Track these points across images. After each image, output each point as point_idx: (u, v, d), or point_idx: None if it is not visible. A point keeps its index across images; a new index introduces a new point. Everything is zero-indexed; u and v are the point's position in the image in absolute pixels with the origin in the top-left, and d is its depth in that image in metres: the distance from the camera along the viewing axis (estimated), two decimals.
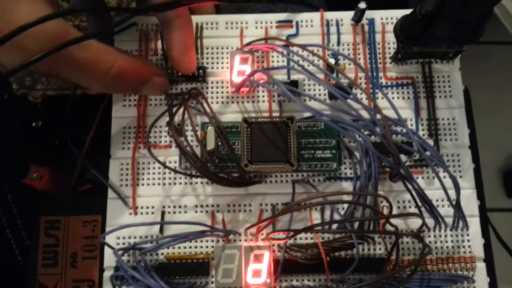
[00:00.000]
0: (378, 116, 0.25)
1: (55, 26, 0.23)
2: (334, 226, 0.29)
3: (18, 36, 0.21)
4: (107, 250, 0.29)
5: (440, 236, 0.30)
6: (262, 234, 0.29)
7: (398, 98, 0.31)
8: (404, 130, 0.27)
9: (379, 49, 0.32)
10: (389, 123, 0.29)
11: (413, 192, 0.26)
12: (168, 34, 0.29)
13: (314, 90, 0.31)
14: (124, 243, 0.29)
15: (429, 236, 0.30)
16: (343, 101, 0.24)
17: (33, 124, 0.28)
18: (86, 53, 0.25)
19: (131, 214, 0.30)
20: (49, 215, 0.31)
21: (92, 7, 0.33)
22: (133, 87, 0.29)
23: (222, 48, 0.32)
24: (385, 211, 0.29)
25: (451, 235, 0.30)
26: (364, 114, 0.26)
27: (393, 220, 0.28)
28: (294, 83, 0.30)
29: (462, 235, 0.30)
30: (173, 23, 0.28)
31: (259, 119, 0.28)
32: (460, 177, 0.30)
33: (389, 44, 0.32)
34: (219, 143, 0.28)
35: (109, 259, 0.29)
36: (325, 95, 0.31)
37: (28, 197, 0.31)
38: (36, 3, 0.23)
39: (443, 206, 0.30)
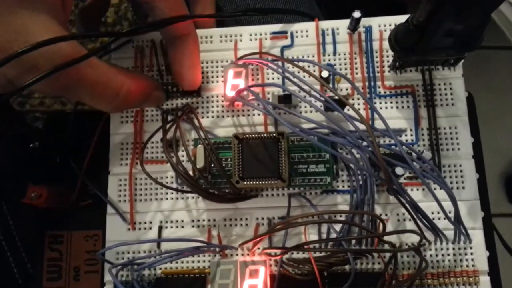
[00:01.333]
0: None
1: (68, 47, 0.23)
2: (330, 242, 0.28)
3: (32, 54, 0.22)
4: (106, 265, 0.30)
5: (442, 249, 0.29)
6: (258, 248, 0.29)
7: (397, 107, 0.31)
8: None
9: (376, 57, 0.31)
10: (381, 135, 0.29)
11: (407, 206, 0.25)
12: (176, 51, 0.29)
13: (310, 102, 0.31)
14: (123, 258, 0.30)
15: (430, 250, 0.29)
16: (328, 119, 0.24)
17: (31, 145, 0.29)
18: (96, 75, 0.25)
19: (129, 229, 0.30)
20: (53, 229, 0.32)
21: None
22: (137, 104, 0.30)
23: (217, 62, 0.32)
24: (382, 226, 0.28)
25: (453, 248, 0.29)
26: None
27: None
28: (287, 97, 0.30)
29: (464, 248, 0.29)
30: (181, 40, 0.28)
31: (250, 135, 0.28)
32: (463, 188, 0.29)
33: (387, 52, 0.31)
34: (211, 160, 0.28)
35: (109, 273, 0.30)
36: (321, 106, 0.31)
37: (32, 213, 0.31)
38: (50, 24, 0.24)
39: (444, 219, 0.29)
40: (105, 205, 0.31)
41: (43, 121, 0.33)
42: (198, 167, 0.26)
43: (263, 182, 0.27)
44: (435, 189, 0.29)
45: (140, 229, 0.30)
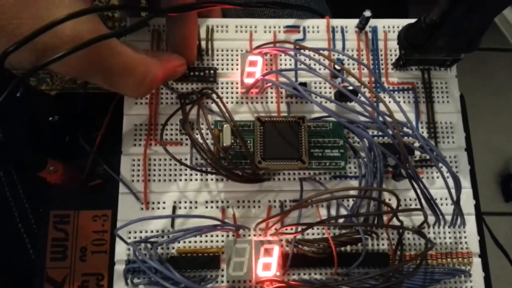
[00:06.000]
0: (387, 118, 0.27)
1: (88, 31, 0.22)
2: (342, 220, 0.30)
3: (49, 37, 0.21)
4: (118, 244, 0.30)
5: (439, 232, 0.31)
6: (274, 229, 0.30)
7: (399, 102, 0.33)
8: (410, 132, 0.29)
9: (381, 55, 0.34)
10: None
11: (418, 191, 0.28)
12: (176, 26, 0.29)
13: (321, 93, 0.33)
14: (135, 237, 0.30)
15: (429, 233, 0.31)
16: (357, 102, 0.25)
17: (50, 118, 0.29)
18: (121, 62, 0.25)
19: (142, 209, 0.31)
20: (58, 209, 0.31)
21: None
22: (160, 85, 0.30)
23: (232, 51, 0.33)
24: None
25: (449, 232, 0.31)
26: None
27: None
28: (303, 85, 0.31)
29: (459, 232, 0.31)
30: (184, 16, 0.28)
31: (272, 118, 0.29)
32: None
33: (391, 51, 0.34)
34: (233, 141, 0.29)
35: (121, 252, 0.30)
36: (331, 96, 0.33)
37: (38, 191, 0.31)
38: (75, 7, 0.22)
39: (441, 205, 0.31)
40: (114, 185, 0.31)
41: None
42: (225, 145, 0.27)
43: (284, 163, 0.28)
44: (437, 177, 0.32)
45: (153, 208, 0.31)
